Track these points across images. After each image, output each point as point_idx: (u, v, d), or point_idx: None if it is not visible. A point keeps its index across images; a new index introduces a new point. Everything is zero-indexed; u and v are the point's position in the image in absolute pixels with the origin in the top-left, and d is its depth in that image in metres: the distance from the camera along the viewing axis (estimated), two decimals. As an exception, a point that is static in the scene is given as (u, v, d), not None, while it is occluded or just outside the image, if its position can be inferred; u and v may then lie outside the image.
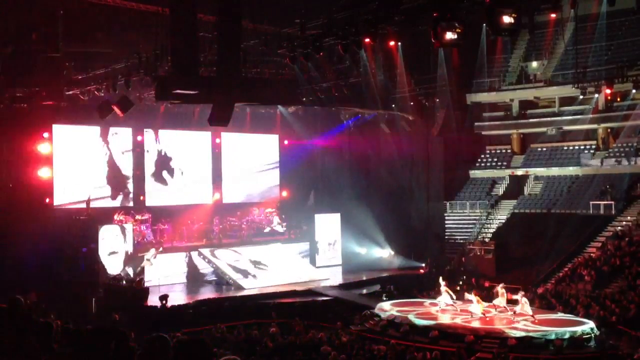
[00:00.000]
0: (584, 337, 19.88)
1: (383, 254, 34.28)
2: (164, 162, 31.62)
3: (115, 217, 28.25)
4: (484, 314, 21.81)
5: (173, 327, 18.74)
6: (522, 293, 22.14)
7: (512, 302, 22.11)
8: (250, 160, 34.52)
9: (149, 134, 31.07)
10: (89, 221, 26.85)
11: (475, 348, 18.63)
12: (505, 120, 37.34)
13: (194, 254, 29.14)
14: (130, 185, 30.55)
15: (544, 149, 36.67)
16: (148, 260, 27.42)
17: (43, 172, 27.63)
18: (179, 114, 30.30)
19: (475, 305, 21.93)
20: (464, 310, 22.40)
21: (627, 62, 32.04)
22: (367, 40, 19.29)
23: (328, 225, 33.33)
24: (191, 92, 17.77)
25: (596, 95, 33.09)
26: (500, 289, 22.36)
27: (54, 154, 28.10)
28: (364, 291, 28.14)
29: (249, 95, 23.62)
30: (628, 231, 28.90)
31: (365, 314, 23.50)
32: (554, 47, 36.80)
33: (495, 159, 37.70)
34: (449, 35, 15.46)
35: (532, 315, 21.18)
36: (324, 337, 18.82)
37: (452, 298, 22.77)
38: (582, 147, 35.28)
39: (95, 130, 29.33)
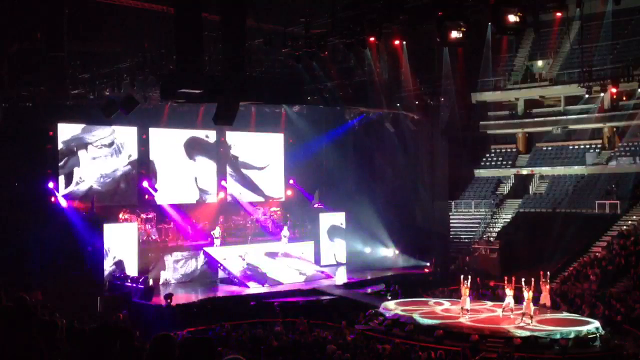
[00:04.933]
0: (589, 336, 19.83)
1: (387, 253, 34.23)
2: (168, 161, 31.62)
3: (121, 215, 28.31)
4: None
5: (178, 326, 18.80)
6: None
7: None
8: (255, 159, 34.53)
9: (154, 132, 31.09)
10: (94, 220, 26.92)
11: (480, 347, 18.61)
12: (511, 119, 37.27)
13: (199, 253, 29.17)
14: (135, 184, 30.57)
15: (550, 148, 36.59)
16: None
17: (48, 171, 27.69)
18: (184, 113, 30.34)
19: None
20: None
21: (632, 61, 31.97)
22: (371, 39, 19.31)
23: (333, 224, 33.30)
24: (196, 91, 17.80)
25: (602, 94, 33.00)
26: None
27: (59, 153, 28.17)
28: (369, 290, 28.10)
29: (253, 95, 23.66)
30: (634, 230, 28.84)
31: (369, 313, 23.49)
32: (559, 46, 36.71)
33: (501, 158, 37.63)
34: (454, 34, 15.45)
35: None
36: (329, 337, 18.82)
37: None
38: (588, 147, 35.19)
39: (100, 129, 29.38)
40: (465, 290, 22.05)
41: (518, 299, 21.65)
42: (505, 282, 22.06)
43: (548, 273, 22.75)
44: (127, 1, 24.76)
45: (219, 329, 19.39)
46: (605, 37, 33.46)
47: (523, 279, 21.41)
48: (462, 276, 23.00)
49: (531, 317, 20.65)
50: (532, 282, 21.36)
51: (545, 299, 22.02)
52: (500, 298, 23.05)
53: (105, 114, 25.00)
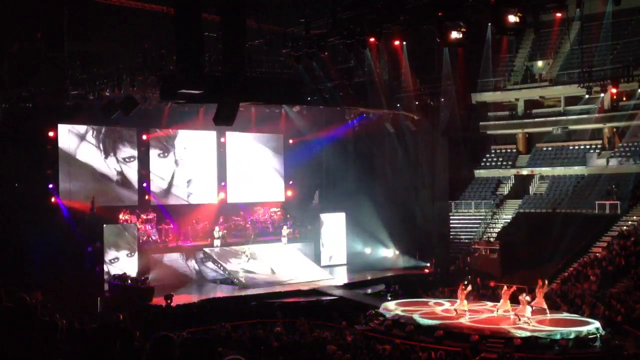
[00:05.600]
0: (590, 337, 19.82)
1: (388, 253, 34.25)
2: (168, 162, 31.64)
3: (121, 216, 28.35)
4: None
5: (178, 327, 18.78)
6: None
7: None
8: (255, 159, 34.52)
9: (153, 133, 31.11)
10: (94, 220, 26.95)
11: (480, 348, 18.60)
12: (511, 119, 37.24)
13: (199, 254, 29.18)
14: (135, 185, 30.58)
15: (550, 149, 36.58)
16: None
17: (48, 171, 27.70)
18: (184, 113, 30.34)
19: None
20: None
21: (632, 61, 31.92)
22: (371, 39, 19.29)
23: (333, 224, 33.31)
24: (196, 92, 17.82)
25: (602, 95, 32.97)
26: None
27: (59, 153, 28.18)
28: (369, 291, 28.11)
29: (253, 95, 23.70)
30: (634, 231, 28.81)
31: (370, 313, 23.48)
32: (559, 47, 36.69)
33: (501, 159, 37.62)
34: (454, 35, 15.46)
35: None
36: (329, 337, 18.82)
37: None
38: (588, 147, 35.19)
39: (100, 129, 29.40)
40: (462, 296, 22.07)
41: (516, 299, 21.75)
42: (503, 291, 22.15)
43: (546, 282, 22.70)
44: (127, 1, 24.78)
45: (219, 329, 19.38)
46: (605, 38, 33.44)
47: (523, 295, 21.41)
48: (463, 283, 23.02)
49: (528, 318, 20.67)
50: (528, 293, 21.50)
51: (539, 304, 21.93)
52: (500, 299, 23.09)
53: (106, 114, 25.02)
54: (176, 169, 31.84)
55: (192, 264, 29.09)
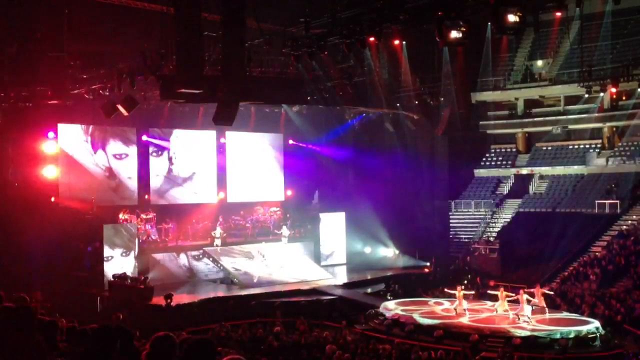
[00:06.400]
0: (589, 336, 19.85)
1: (387, 253, 34.24)
2: (168, 161, 31.64)
3: (120, 216, 28.31)
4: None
5: (178, 327, 18.79)
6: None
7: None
8: (255, 159, 34.49)
9: (153, 133, 31.10)
10: (94, 220, 26.93)
11: (480, 347, 18.63)
12: (510, 119, 37.30)
13: (199, 253, 29.17)
14: (134, 184, 30.57)
15: (549, 148, 36.62)
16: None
17: (48, 171, 27.71)
18: (184, 113, 30.33)
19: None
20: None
21: (632, 60, 31.96)
22: (371, 39, 19.27)
23: (333, 224, 33.31)
24: (196, 91, 17.76)
25: (601, 94, 33.03)
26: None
27: (59, 153, 28.18)
28: (369, 290, 28.11)
29: (253, 95, 23.65)
30: (633, 230, 28.85)
31: (369, 313, 23.50)
32: (559, 46, 36.74)
33: (500, 158, 37.65)
34: (454, 34, 15.45)
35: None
36: (329, 336, 18.84)
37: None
38: (588, 146, 35.21)
39: (100, 129, 29.39)
40: (460, 294, 22.16)
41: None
42: (500, 293, 22.19)
43: (541, 290, 22.75)
44: (127, 1, 24.76)
45: (219, 329, 19.39)
46: (605, 37, 33.51)
47: (521, 293, 21.40)
48: (459, 286, 23.14)
49: (528, 317, 20.68)
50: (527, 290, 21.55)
51: (538, 303, 22.00)
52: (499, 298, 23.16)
53: (106, 114, 25.00)
54: (176, 168, 31.83)
55: (192, 263, 29.08)
